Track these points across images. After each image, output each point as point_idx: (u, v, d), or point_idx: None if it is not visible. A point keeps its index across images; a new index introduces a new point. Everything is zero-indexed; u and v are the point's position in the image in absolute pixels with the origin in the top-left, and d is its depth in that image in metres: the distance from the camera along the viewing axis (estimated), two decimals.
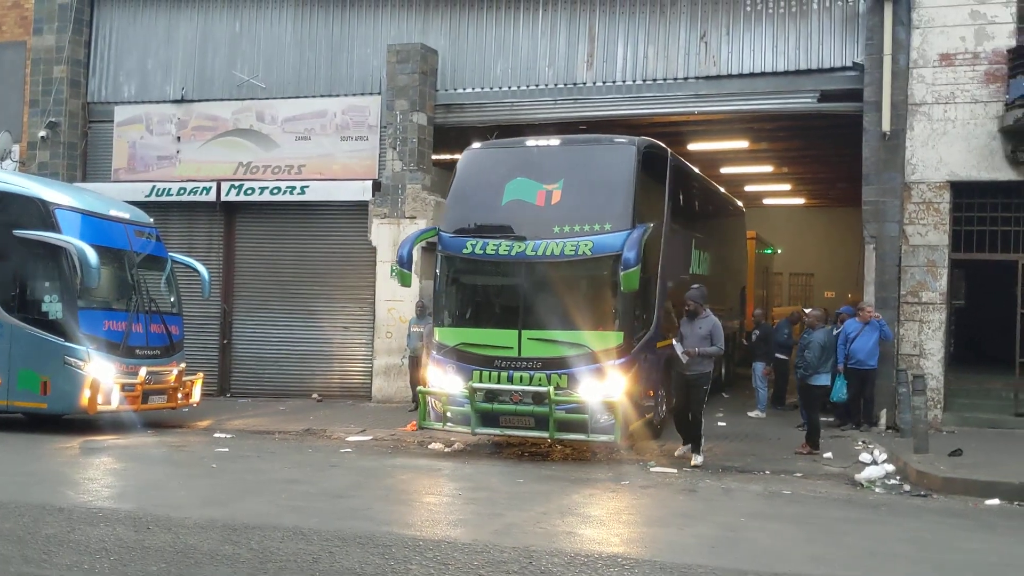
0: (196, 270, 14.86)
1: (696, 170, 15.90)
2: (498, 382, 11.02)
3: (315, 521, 7.50)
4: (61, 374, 12.49)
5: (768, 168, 22.71)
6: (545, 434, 10.78)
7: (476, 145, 12.77)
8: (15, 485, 8.90)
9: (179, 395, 13.79)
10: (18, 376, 12.66)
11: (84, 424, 13.13)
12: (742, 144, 19.34)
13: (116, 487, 9.33)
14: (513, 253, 11.24)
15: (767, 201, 28.68)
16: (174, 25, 17.90)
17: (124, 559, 6.24)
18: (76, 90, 18.03)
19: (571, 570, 6.22)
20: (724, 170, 22.30)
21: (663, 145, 13.04)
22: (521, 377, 10.95)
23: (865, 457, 11.14)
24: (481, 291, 12.40)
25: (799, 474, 10.49)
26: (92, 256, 12.35)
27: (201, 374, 14.58)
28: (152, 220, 14.83)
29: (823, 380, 11.95)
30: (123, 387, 12.80)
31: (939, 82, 13.30)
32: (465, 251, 11.56)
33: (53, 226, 12.76)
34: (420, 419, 11.58)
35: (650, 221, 11.45)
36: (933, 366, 13.32)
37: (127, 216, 14.15)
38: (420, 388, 11.75)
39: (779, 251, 28.03)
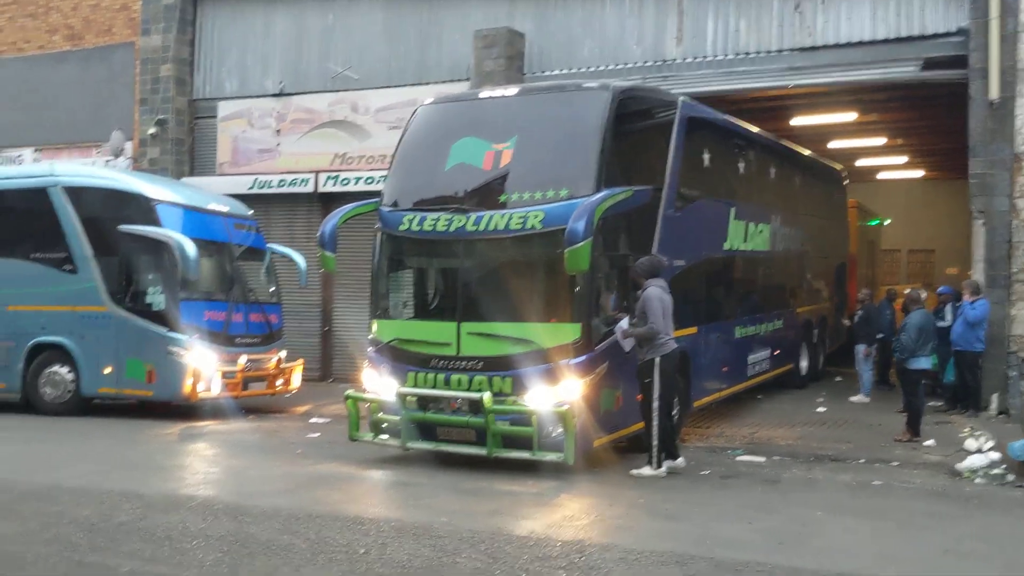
0: (294, 260, 15.23)
1: (745, 125, 13.90)
2: (434, 385, 9.26)
3: (376, 511, 7.60)
4: (165, 363, 12.99)
5: (881, 140, 21.67)
6: (484, 450, 9.01)
7: (428, 100, 11.01)
8: (104, 472, 9.32)
9: (278, 382, 14.19)
10: (126, 365, 13.23)
11: (188, 410, 13.62)
12: (850, 116, 18.51)
13: (200, 474, 9.69)
14: (452, 229, 9.42)
15: (883, 175, 27.48)
16: (271, 21, 18.33)
17: (183, 548, 6.46)
18: (182, 88, 18.70)
19: (620, 567, 6.10)
20: (833, 144, 21.43)
21: (668, 93, 11.32)
22: (459, 380, 9.15)
23: (970, 444, 10.54)
24: (419, 276, 10.70)
25: (895, 463, 10.03)
26: (191, 249, 12.79)
27: (301, 360, 14.92)
28: (252, 212, 15.28)
29: (922, 364, 11.35)
30: (224, 375, 13.22)
31: None
32: (401, 228, 9.83)
33: (155, 221, 13.25)
34: (350, 430, 9.94)
35: (639, 185, 9.66)
36: None
37: (226, 209, 14.62)
38: (348, 392, 10.02)
39: (887, 221, 26.55)
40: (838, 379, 17.22)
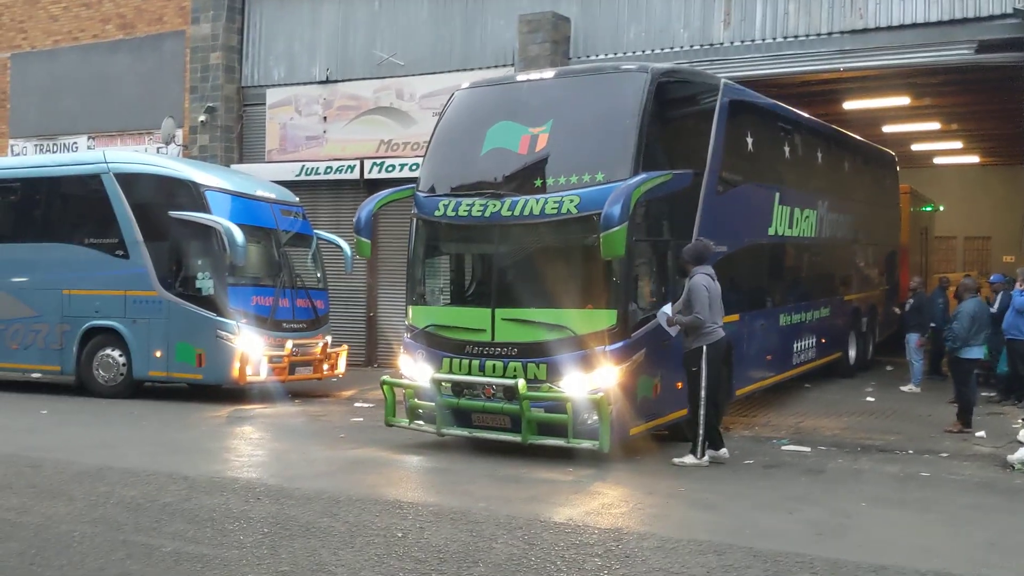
0: (339, 246, 15.35)
1: (790, 108, 13.55)
2: (468, 372, 9.20)
3: (414, 495, 7.64)
4: (214, 347, 13.17)
5: (935, 125, 21.23)
6: (519, 437, 8.93)
7: (465, 85, 10.87)
8: (153, 453, 9.49)
9: (324, 367, 14.31)
10: (176, 349, 13.44)
11: (238, 394, 13.80)
12: (903, 101, 18.16)
13: (245, 456, 9.83)
14: (487, 214, 9.30)
15: (937, 160, 26.90)
16: (317, 9, 18.45)
17: (225, 529, 6.55)
18: (231, 75, 18.91)
19: (657, 555, 6.06)
20: (886, 129, 21.04)
21: (709, 75, 11.20)
22: (494, 366, 9.08)
23: (1022, 436, 10.32)
24: (454, 261, 10.67)
25: (944, 455, 9.84)
26: (239, 235, 12.93)
27: (346, 346, 15.07)
28: (298, 199, 15.42)
29: (975, 353, 11.12)
30: (271, 359, 13.37)
31: None
32: (437, 213, 9.74)
33: (204, 207, 13.41)
34: (386, 415, 9.96)
35: (679, 169, 9.53)
36: None
37: (273, 196, 14.76)
38: (384, 378, 10.03)
39: (940, 208, 26.00)
40: (889, 368, 16.95)
